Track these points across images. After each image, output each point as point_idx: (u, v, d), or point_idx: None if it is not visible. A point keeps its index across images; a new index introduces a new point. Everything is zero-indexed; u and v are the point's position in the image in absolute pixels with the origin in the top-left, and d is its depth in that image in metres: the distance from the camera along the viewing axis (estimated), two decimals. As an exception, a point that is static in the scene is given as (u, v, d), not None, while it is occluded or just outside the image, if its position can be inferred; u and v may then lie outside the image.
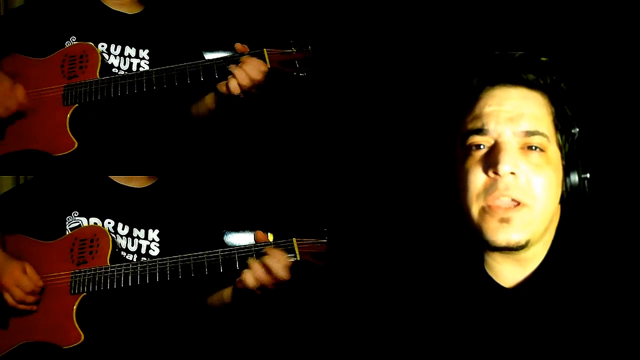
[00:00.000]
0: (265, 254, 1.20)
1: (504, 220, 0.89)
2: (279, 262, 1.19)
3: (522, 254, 0.93)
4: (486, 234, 0.90)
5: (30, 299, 1.26)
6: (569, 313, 0.91)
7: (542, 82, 0.93)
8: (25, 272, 1.26)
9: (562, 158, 0.93)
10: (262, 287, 1.20)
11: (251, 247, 1.23)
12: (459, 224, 0.96)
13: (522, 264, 0.95)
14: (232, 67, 1.29)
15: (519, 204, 0.89)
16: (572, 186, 0.93)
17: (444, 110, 1.01)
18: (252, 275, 1.19)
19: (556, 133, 0.93)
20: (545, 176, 0.90)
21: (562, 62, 0.96)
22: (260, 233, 1.25)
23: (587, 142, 0.94)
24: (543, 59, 0.96)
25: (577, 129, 0.94)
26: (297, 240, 1.22)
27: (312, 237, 1.23)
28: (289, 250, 1.22)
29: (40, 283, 1.27)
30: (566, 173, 0.93)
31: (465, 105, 0.96)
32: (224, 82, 1.30)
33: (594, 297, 0.91)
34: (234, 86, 1.28)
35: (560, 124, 0.93)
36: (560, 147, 0.93)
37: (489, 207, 0.90)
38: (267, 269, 1.19)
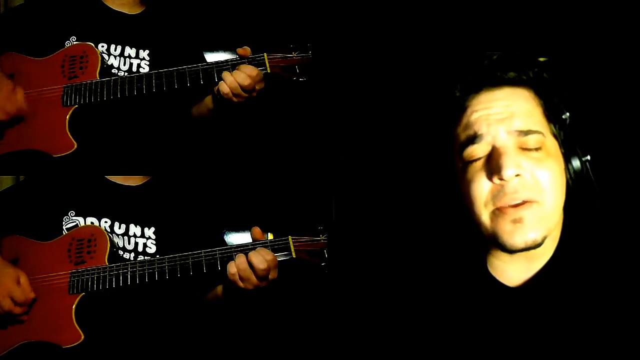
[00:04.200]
0: None
1: (517, 221, 0.88)
2: (262, 258, 1.21)
3: (533, 251, 0.91)
4: (502, 238, 0.89)
5: (19, 310, 1.24)
6: (579, 312, 0.89)
7: (524, 77, 0.93)
8: (18, 282, 1.25)
9: (560, 147, 0.93)
10: (247, 281, 1.21)
11: (247, 245, 1.24)
12: (459, 225, 0.95)
13: (530, 261, 0.93)
14: (225, 74, 1.30)
15: (530, 202, 0.88)
16: (576, 172, 0.92)
17: (435, 123, 1.00)
18: (235, 266, 1.21)
19: (549, 124, 0.93)
20: (548, 168, 0.89)
21: (541, 53, 0.96)
22: (257, 229, 1.26)
23: (581, 125, 0.93)
24: (521, 54, 0.95)
25: (567, 114, 0.93)
26: (292, 239, 1.23)
27: (308, 236, 1.24)
28: (284, 248, 1.24)
29: (32, 295, 1.25)
30: (567, 160, 0.93)
31: (454, 116, 0.95)
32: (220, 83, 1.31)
33: (603, 295, 0.89)
34: (224, 89, 1.30)
35: (551, 114, 0.93)
36: (556, 136, 0.93)
37: (499, 209, 0.88)
38: (250, 264, 1.21)
